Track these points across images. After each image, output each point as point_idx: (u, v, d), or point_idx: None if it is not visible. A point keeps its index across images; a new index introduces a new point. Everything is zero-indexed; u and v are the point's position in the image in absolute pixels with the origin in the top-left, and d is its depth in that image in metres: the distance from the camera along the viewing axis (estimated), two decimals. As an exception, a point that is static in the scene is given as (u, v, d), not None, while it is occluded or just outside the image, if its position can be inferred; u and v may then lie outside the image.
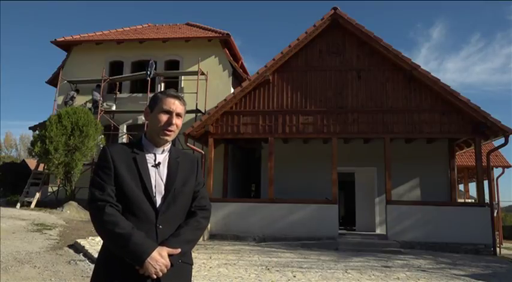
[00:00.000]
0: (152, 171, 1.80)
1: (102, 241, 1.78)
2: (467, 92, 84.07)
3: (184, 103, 1.89)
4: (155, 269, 1.62)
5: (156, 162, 1.82)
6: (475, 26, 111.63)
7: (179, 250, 1.70)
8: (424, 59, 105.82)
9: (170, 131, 1.82)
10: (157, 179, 1.80)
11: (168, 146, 1.89)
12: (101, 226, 1.66)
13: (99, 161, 1.80)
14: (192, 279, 1.88)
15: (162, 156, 1.86)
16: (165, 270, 1.64)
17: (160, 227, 1.73)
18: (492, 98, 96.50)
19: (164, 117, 1.81)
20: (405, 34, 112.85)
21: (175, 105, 1.83)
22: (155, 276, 1.63)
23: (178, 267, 1.71)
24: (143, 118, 9.33)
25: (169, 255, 1.67)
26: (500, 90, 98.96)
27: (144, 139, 1.87)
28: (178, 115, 1.85)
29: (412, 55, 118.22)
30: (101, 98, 14.62)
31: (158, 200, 1.77)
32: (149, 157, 1.83)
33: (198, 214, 1.86)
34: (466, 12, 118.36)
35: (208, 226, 11.51)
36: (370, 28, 12.06)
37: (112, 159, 1.76)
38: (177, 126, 1.84)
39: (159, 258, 1.63)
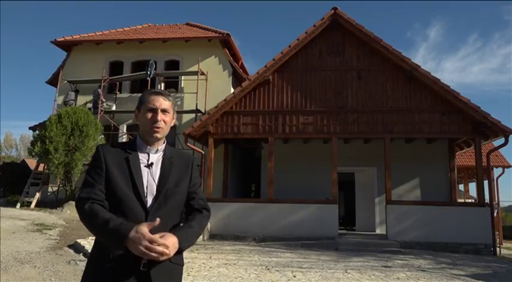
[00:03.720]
0: (144, 171, 1.79)
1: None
2: (466, 92, 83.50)
3: (169, 98, 1.87)
4: (140, 248, 1.51)
5: (149, 163, 1.81)
6: (472, 26, 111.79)
7: (158, 220, 1.58)
8: (422, 59, 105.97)
9: (158, 127, 1.80)
10: (150, 179, 1.78)
11: (162, 146, 1.87)
12: (84, 221, 1.68)
13: (92, 160, 1.81)
14: (185, 280, 1.86)
15: (156, 156, 1.84)
16: (152, 245, 1.52)
17: None
18: (490, 98, 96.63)
19: (149, 116, 1.81)
20: (402, 34, 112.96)
21: (159, 101, 1.82)
22: (147, 255, 1.52)
23: (170, 269, 1.69)
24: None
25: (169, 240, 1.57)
26: (498, 90, 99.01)
27: (138, 139, 1.87)
28: (164, 111, 1.82)
29: (410, 55, 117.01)
30: (103, 99, 14.62)
31: (149, 201, 1.74)
32: (142, 157, 1.82)
33: (203, 212, 1.85)
34: (463, 12, 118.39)
35: (208, 226, 11.51)
36: (369, 28, 12.08)
37: (104, 159, 1.76)
38: (164, 122, 1.82)
39: (137, 235, 1.52)
